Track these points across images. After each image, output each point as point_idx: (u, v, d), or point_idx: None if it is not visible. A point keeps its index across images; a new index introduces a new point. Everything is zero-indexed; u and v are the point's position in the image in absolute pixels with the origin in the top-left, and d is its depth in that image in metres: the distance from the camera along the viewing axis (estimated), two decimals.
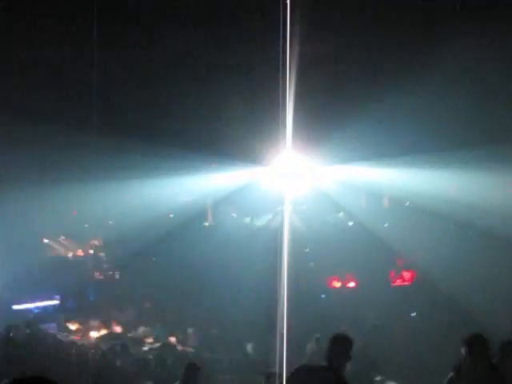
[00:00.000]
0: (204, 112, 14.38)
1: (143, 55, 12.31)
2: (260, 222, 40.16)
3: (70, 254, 26.95)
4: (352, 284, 18.37)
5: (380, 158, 19.32)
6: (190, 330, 13.52)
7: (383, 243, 24.21)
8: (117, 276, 21.92)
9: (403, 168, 25.86)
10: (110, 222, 35.11)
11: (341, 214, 40.86)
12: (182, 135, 15.75)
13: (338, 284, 18.39)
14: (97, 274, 22.45)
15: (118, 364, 9.68)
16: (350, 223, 38.08)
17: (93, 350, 11.02)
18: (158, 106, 14.52)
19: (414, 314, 13.64)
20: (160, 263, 22.63)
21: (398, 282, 18.56)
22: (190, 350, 12.24)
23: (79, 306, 16.32)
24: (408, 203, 23.60)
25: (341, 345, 4.94)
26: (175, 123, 15.20)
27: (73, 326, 13.92)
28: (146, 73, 13.03)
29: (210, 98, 13.57)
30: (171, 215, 37.91)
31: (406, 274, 18.67)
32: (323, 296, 16.87)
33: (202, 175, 34.73)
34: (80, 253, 27.14)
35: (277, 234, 24.66)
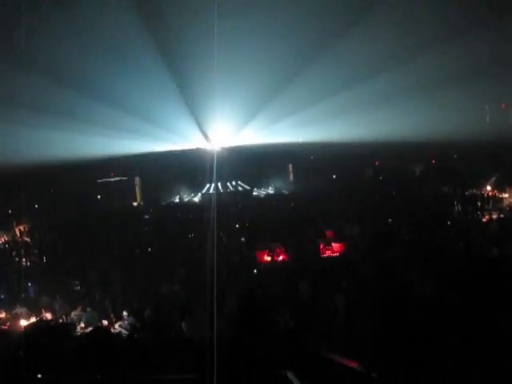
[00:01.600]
0: None
1: None
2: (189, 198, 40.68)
3: None
4: (282, 257, 18.61)
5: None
6: (124, 313, 13.39)
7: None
8: (43, 261, 21.45)
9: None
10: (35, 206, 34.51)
11: (270, 188, 41.75)
12: None
13: (268, 258, 18.60)
14: (23, 260, 21.87)
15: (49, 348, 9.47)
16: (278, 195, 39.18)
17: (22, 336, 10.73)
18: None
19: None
20: (88, 245, 22.32)
21: (328, 253, 18.89)
22: (124, 331, 12.14)
23: (6, 293, 15.84)
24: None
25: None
26: None
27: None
28: None
29: None
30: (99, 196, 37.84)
31: (336, 246, 19.05)
32: (255, 271, 16.98)
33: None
34: (4, 239, 26.49)
35: (206, 210, 24.96)
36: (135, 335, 11.12)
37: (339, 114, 33.86)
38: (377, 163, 41.49)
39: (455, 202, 25.00)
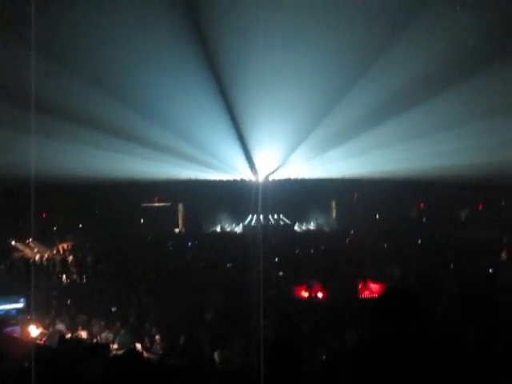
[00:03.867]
0: None
1: None
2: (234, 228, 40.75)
3: (37, 257, 26.73)
4: (320, 294, 18.41)
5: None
6: (157, 337, 13.42)
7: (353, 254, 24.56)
8: (84, 280, 21.74)
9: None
10: (79, 226, 35.19)
11: (312, 224, 41.52)
12: None
13: (305, 294, 18.43)
14: (64, 278, 22.23)
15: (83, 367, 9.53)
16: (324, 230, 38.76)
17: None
18: None
19: None
20: (129, 268, 22.58)
21: (366, 294, 18.61)
22: (156, 357, 12.14)
23: (44, 309, 16.06)
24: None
25: None
26: None
27: (37, 330, 13.68)
28: None
29: None
30: (142, 220, 38.22)
31: (374, 286, 18.75)
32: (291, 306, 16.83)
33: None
34: (47, 255, 26.95)
35: (246, 242, 24.85)
36: (167, 361, 11.08)
37: (392, 144, 32.09)
38: (422, 205, 40.95)
39: (503, 252, 24.30)
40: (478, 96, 24.59)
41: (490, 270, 19.96)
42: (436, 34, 22.11)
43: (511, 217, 30.42)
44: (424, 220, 39.19)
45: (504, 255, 23.67)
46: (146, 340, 13.64)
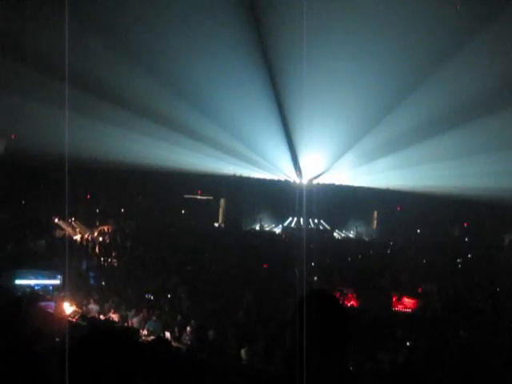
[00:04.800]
0: None
1: None
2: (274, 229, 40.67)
3: (78, 237, 27.22)
4: (352, 303, 18.26)
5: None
6: (187, 328, 13.50)
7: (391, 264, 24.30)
8: (121, 264, 22.05)
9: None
10: (121, 210, 35.67)
11: (351, 232, 41.18)
12: None
13: None
14: (101, 260, 22.59)
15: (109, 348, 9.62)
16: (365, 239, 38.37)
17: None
18: None
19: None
20: (167, 258, 22.79)
21: (400, 308, 18.40)
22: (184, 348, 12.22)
23: (80, 288, 16.37)
24: None
25: None
26: None
27: (70, 308, 13.94)
28: None
29: None
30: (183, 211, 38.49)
31: (408, 301, 18.51)
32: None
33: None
34: (88, 236, 27.41)
35: (285, 243, 24.75)
36: (195, 353, 11.16)
37: (445, 158, 31.14)
38: (465, 224, 40.14)
39: None
40: None
41: None
42: None
43: None
44: (466, 239, 38.43)
45: None
46: (176, 330, 13.74)
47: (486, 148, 28.51)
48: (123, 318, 14.57)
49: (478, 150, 28.72)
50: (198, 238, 28.50)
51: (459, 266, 27.23)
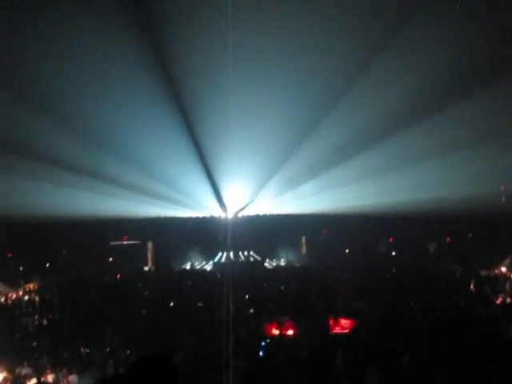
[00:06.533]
0: None
1: None
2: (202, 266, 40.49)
3: (2, 299, 26.18)
4: (291, 332, 18.25)
5: None
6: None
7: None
8: (49, 322, 21.32)
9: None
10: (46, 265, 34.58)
11: (282, 260, 41.49)
12: None
13: (276, 331, 18.24)
14: (29, 320, 21.77)
15: None
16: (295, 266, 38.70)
17: None
18: None
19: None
20: (95, 308, 22.25)
21: (337, 330, 18.51)
22: None
23: (8, 352, 15.65)
24: None
25: None
26: None
27: (0, 374, 13.32)
28: None
29: None
30: (110, 259, 37.75)
31: (345, 322, 18.68)
32: (263, 343, 16.60)
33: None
34: (12, 296, 26.40)
35: (216, 280, 24.62)
36: None
37: (360, 179, 31.95)
38: (391, 239, 41.22)
39: (470, 283, 24.69)
40: (448, 129, 25.11)
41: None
42: None
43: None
44: (393, 253, 39.44)
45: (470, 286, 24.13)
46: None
47: (404, 162, 29.39)
48: (58, 378, 14.05)
49: (397, 165, 29.60)
50: (126, 285, 28.01)
51: (389, 279, 27.86)
